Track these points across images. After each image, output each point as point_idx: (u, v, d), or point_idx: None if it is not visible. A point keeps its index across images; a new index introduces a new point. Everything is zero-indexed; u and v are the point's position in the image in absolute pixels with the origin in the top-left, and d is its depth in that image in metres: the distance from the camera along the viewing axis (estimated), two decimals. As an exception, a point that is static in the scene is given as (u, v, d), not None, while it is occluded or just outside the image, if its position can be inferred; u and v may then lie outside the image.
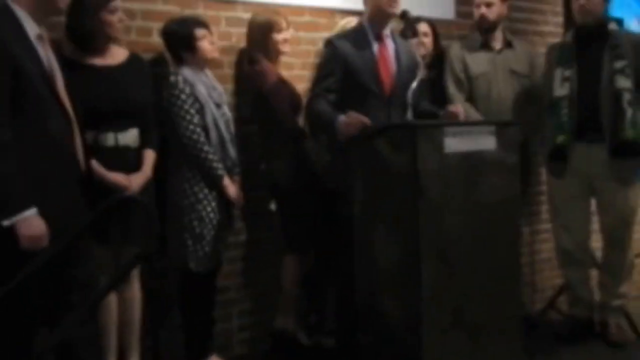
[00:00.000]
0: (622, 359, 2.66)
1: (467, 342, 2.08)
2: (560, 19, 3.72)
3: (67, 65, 2.02)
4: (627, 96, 2.69)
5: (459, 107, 2.48)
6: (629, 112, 2.68)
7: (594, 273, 3.02)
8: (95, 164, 2.09)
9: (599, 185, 2.80)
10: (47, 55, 1.88)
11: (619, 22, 3.43)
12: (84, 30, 2.12)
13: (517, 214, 2.35)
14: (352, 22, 2.64)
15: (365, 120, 2.18)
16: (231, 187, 2.39)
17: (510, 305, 2.22)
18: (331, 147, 2.44)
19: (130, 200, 1.71)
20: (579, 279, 2.93)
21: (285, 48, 2.58)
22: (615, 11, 3.56)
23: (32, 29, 1.84)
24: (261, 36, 2.53)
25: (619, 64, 2.71)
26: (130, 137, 2.19)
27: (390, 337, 2.13)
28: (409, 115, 2.24)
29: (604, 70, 2.72)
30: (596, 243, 3.05)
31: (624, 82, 2.70)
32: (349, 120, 2.19)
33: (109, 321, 2.22)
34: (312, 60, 2.71)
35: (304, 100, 2.62)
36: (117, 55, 2.22)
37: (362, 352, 2.24)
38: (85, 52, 2.16)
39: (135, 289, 2.29)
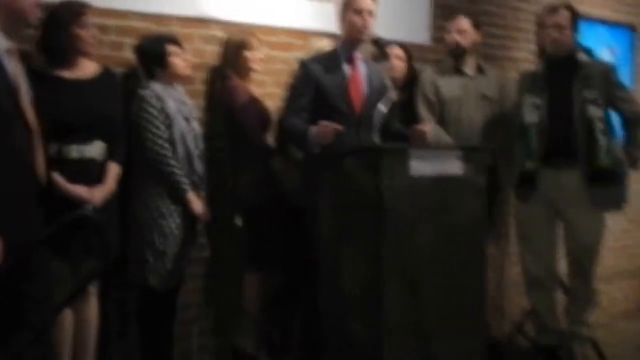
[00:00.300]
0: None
1: (431, 365, 2.08)
2: (532, 46, 3.79)
3: (36, 77, 2.03)
4: (599, 125, 2.76)
5: (427, 125, 2.53)
6: (602, 140, 2.75)
7: (562, 298, 3.04)
8: (57, 177, 2.07)
9: (567, 211, 2.83)
10: (14, 69, 1.88)
11: (589, 51, 3.52)
12: (55, 44, 2.13)
13: (484, 236, 2.36)
14: (327, 46, 2.69)
15: (337, 127, 2.23)
16: (196, 203, 2.38)
17: (475, 330, 2.22)
18: (299, 165, 2.47)
19: (84, 217, 1.70)
20: (545, 305, 2.94)
21: (256, 66, 2.62)
22: (586, 40, 3.65)
23: (1, 43, 1.84)
24: (234, 54, 2.57)
25: (589, 94, 2.78)
26: (95, 149, 2.17)
27: (355, 358, 2.11)
28: (376, 137, 2.27)
29: (574, 100, 2.79)
30: (563, 270, 3.07)
31: (596, 111, 2.77)
32: (321, 129, 2.25)
33: (62, 339, 2.16)
34: (285, 78, 2.73)
35: (275, 117, 2.66)
36: (87, 68, 2.23)
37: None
38: (55, 65, 2.16)
39: (91, 307, 2.24)
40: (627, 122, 2.90)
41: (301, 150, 2.48)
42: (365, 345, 2.05)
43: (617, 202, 2.90)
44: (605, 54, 4.13)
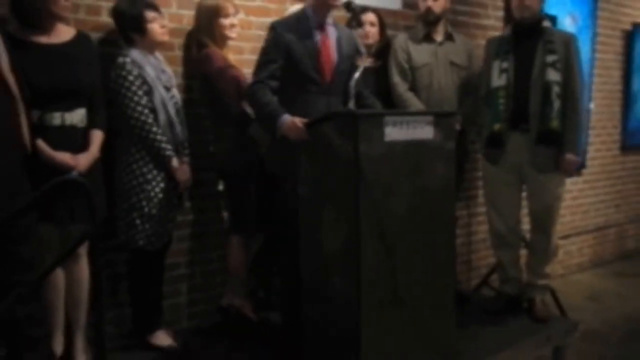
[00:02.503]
0: (543, 331, 2.88)
1: (404, 317, 2.19)
2: (500, 13, 3.89)
3: (12, 43, 1.99)
4: (556, 88, 2.85)
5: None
6: (556, 103, 2.84)
7: (523, 253, 3.24)
8: (41, 144, 2.08)
9: (527, 172, 2.97)
10: (-10, 33, 1.86)
11: (553, 19, 3.63)
12: (28, 7, 2.07)
13: (454, 197, 2.46)
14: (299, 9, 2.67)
15: (304, 134, 2.20)
16: (179, 168, 2.41)
17: (445, 282, 2.33)
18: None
19: (72, 182, 1.73)
20: (509, 259, 3.12)
21: (232, 34, 2.58)
22: (549, 9, 3.76)
23: (-25, 6, 1.82)
24: (208, 20, 2.53)
25: (550, 58, 2.87)
26: (76, 116, 2.18)
27: (332, 313, 2.23)
28: (352, 104, 2.30)
29: (536, 63, 2.88)
30: (526, 226, 3.27)
31: (554, 75, 2.85)
32: (293, 125, 2.20)
33: (56, 298, 2.23)
34: (262, 45, 2.74)
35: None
36: (63, 33, 2.19)
37: (305, 327, 2.35)
38: (30, 30, 2.11)
39: (83, 267, 2.30)
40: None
41: (263, 128, 2.43)
42: (344, 299, 2.16)
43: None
44: (567, 21, 4.25)
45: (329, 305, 2.24)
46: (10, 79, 1.91)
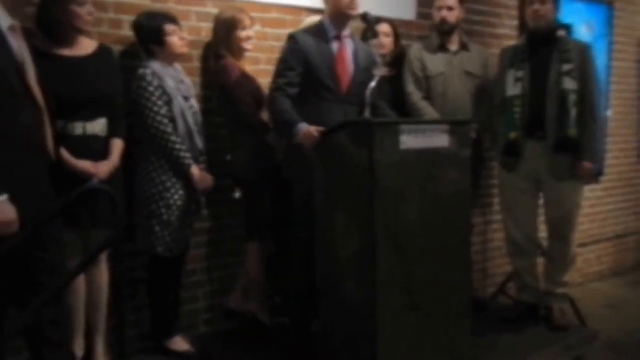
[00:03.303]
0: (562, 341, 2.86)
1: (420, 323, 2.20)
2: (515, 22, 3.90)
3: (38, 56, 2.05)
4: (572, 97, 2.86)
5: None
6: (573, 111, 2.86)
7: (540, 261, 3.22)
8: (64, 153, 2.14)
9: (544, 180, 2.97)
10: (19, 47, 1.91)
11: (569, 28, 3.63)
12: (53, 21, 2.15)
13: (469, 205, 2.47)
14: (316, 20, 2.70)
15: (318, 139, 2.24)
16: (198, 176, 2.46)
17: (461, 289, 2.34)
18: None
19: (98, 190, 1.79)
20: (526, 268, 3.11)
21: (248, 46, 2.64)
22: (565, 17, 3.76)
23: (4, 20, 1.87)
24: (225, 33, 2.59)
25: (566, 67, 2.89)
26: (98, 126, 2.24)
27: (347, 319, 2.24)
28: (368, 113, 2.34)
29: (551, 72, 2.89)
30: (544, 233, 3.25)
31: (571, 84, 2.87)
32: (310, 134, 2.24)
33: (77, 303, 2.28)
34: (278, 55, 2.79)
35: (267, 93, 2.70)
36: (86, 46, 2.26)
37: (320, 333, 2.37)
38: (55, 43, 2.19)
39: (103, 272, 2.36)
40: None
41: (279, 134, 2.50)
42: (359, 304, 2.18)
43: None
44: (583, 30, 4.24)
45: (344, 311, 2.26)
46: (37, 91, 1.97)
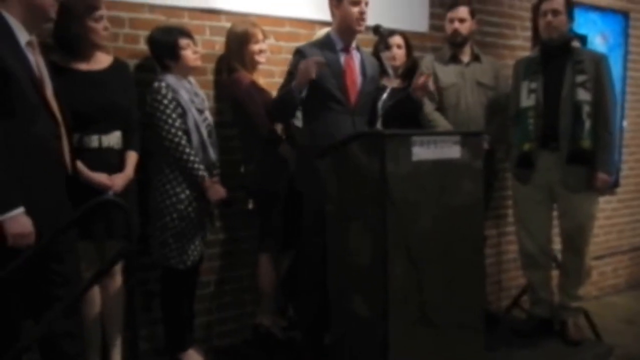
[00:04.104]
0: (577, 355, 2.82)
1: (432, 337, 2.19)
2: (528, 33, 3.89)
3: (54, 70, 2.09)
4: (586, 108, 2.85)
5: (425, 76, 2.51)
6: (587, 122, 2.84)
7: (555, 274, 3.19)
8: (80, 165, 2.17)
9: (558, 191, 2.95)
10: (37, 61, 1.96)
11: (583, 38, 3.62)
12: (70, 36, 2.19)
13: (481, 216, 2.47)
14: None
15: (319, 59, 2.26)
16: (211, 188, 2.47)
17: (474, 302, 2.33)
18: (299, 150, 2.56)
19: (112, 202, 1.82)
20: (540, 281, 3.08)
21: (261, 59, 2.66)
22: (580, 28, 3.75)
23: (22, 36, 1.92)
24: (238, 46, 2.62)
25: (580, 78, 2.87)
26: (113, 139, 2.27)
27: (359, 331, 2.23)
28: (379, 124, 2.34)
29: (565, 83, 2.88)
30: (558, 246, 3.21)
31: (585, 95, 2.85)
32: (305, 64, 2.25)
33: (92, 315, 2.30)
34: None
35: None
36: (102, 60, 2.30)
37: (332, 346, 2.36)
38: (72, 58, 2.23)
39: (118, 284, 2.38)
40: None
41: (290, 113, 2.48)
42: (371, 317, 2.17)
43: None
44: (598, 41, 4.22)
45: (355, 325, 2.25)
46: (54, 105, 2.01)
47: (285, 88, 2.40)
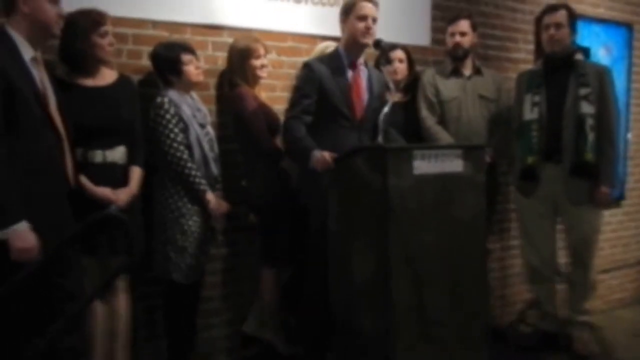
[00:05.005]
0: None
1: (436, 352, 2.18)
2: (531, 46, 3.89)
3: (60, 85, 2.12)
4: (589, 121, 2.85)
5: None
6: (590, 135, 2.84)
7: (561, 287, 3.16)
8: (84, 180, 2.18)
9: (562, 204, 2.94)
10: (41, 77, 1.99)
11: (586, 51, 3.62)
12: (75, 52, 2.21)
13: (484, 230, 2.46)
14: (330, 46, 2.75)
15: (331, 164, 2.30)
16: (213, 202, 2.48)
17: (478, 317, 2.31)
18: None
19: (113, 217, 1.82)
20: (545, 294, 3.06)
21: (262, 73, 2.68)
22: (583, 40, 3.75)
23: (27, 52, 1.95)
24: (239, 61, 2.64)
25: (583, 91, 2.88)
26: (117, 154, 2.28)
27: (362, 347, 2.22)
28: (380, 138, 2.35)
29: (569, 96, 2.89)
30: (563, 259, 3.19)
31: (588, 108, 2.86)
32: (323, 159, 2.30)
33: (96, 331, 2.30)
34: (293, 83, 2.83)
35: (282, 120, 2.73)
36: (107, 76, 2.32)
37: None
38: (77, 73, 2.25)
39: (122, 300, 2.37)
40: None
41: (294, 160, 2.55)
42: (375, 333, 2.16)
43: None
44: (601, 53, 4.22)
45: (359, 339, 2.24)
46: (58, 120, 2.03)
47: (306, 117, 2.43)
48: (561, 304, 3.11)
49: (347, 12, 2.49)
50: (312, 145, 2.36)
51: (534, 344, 3.01)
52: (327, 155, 2.29)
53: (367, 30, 2.45)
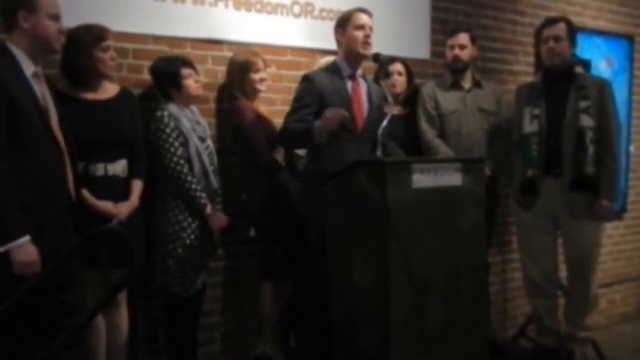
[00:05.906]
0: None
1: (435, 366, 2.18)
2: (531, 59, 3.91)
3: (62, 99, 2.14)
4: (590, 134, 2.84)
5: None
6: (590, 149, 2.83)
7: (562, 302, 3.14)
8: (85, 193, 2.19)
9: (562, 218, 2.92)
10: (42, 92, 2.01)
11: (587, 64, 3.62)
12: (77, 66, 2.23)
13: (484, 243, 2.45)
14: (331, 60, 2.75)
15: (344, 113, 2.30)
16: (213, 216, 2.49)
17: (478, 331, 2.31)
18: (303, 176, 2.57)
19: (111, 232, 1.83)
20: (546, 309, 3.03)
21: (262, 87, 2.70)
22: (584, 53, 3.76)
23: (28, 68, 1.97)
24: (239, 76, 2.65)
25: (583, 104, 2.87)
26: (119, 167, 2.30)
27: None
28: (379, 152, 2.36)
29: (569, 109, 2.89)
30: (565, 273, 3.16)
31: (588, 121, 2.85)
32: (329, 114, 2.29)
33: (98, 344, 2.29)
34: (293, 96, 2.84)
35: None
36: (108, 90, 2.34)
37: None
38: (79, 88, 2.27)
39: (123, 313, 2.37)
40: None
41: (301, 147, 2.52)
42: (373, 348, 2.15)
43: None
44: (602, 66, 4.22)
45: (359, 352, 2.23)
46: (59, 134, 2.04)
47: (305, 123, 2.41)
48: (562, 319, 3.08)
49: (344, 24, 2.51)
50: (310, 123, 2.36)
51: (535, 358, 2.98)
52: (330, 112, 2.28)
53: (367, 39, 2.47)
